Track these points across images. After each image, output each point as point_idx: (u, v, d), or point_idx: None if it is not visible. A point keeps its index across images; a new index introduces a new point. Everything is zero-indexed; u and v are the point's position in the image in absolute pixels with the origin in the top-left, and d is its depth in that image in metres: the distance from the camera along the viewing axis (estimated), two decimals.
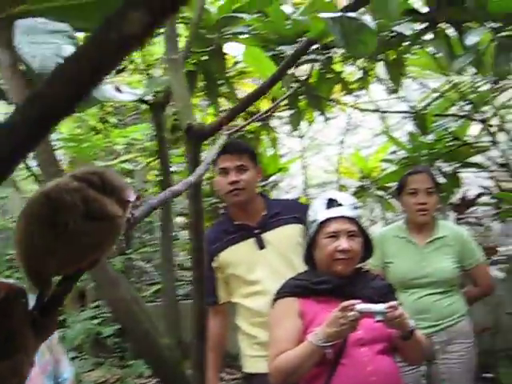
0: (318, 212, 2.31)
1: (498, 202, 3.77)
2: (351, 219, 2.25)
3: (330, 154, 5.91)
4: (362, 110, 4.66)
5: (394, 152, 4.68)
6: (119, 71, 2.89)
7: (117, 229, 0.75)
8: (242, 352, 2.64)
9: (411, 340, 2.09)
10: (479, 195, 3.92)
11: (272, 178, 4.51)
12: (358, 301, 1.96)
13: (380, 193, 4.37)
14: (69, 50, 1.19)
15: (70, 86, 0.46)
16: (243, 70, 3.37)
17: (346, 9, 2.00)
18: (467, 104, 4.03)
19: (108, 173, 0.77)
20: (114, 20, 0.44)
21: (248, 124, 2.67)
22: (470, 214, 3.94)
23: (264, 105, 3.85)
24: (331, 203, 2.29)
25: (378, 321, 1.94)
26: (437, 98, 4.21)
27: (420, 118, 3.16)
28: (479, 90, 4.03)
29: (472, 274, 3.10)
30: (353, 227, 2.24)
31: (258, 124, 4.02)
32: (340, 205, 2.28)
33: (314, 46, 2.93)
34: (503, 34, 2.55)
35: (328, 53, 3.14)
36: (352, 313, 1.93)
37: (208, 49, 2.48)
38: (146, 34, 0.45)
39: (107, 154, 4.37)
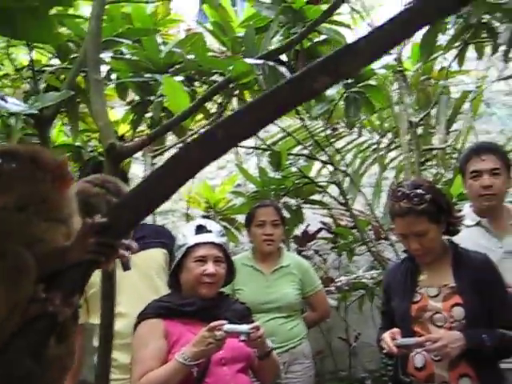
0: (187, 237, 2.41)
1: (334, 237, 4.18)
2: (218, 245, 2.39)
3: None
4: None
5: (239, 185, 4.96)
6: None
7: None
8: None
9: (268, 359, 2.27)
10: (319, 230, 4.30)
11: None
12: (225, 321, 2.09)
13: (224, 224, 4.56)
14: None
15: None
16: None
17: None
18: (310, 145, 4.44)
19: (119, 181, 0.88)
20: (306, 79, 0.63)
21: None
22: (310, 247, 4.31)
23: (123, 129, 3.86)
24: (200, 229, 2.42)
25: (242, 340, 2.09)
26: (284, 137, 4.58)
27: (275, 155, 3.43)
28: (321, 134, 4.47)
29: (311, 301, 3.42)
30: (219, 253, 2.38)
31: None
32: (209, 231, 2.41)
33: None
34: (353, 89, 2.92)
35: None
36: (219, 332, 2.05)
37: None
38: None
39: None
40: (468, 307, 2.29)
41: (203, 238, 2.36)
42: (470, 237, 2.71)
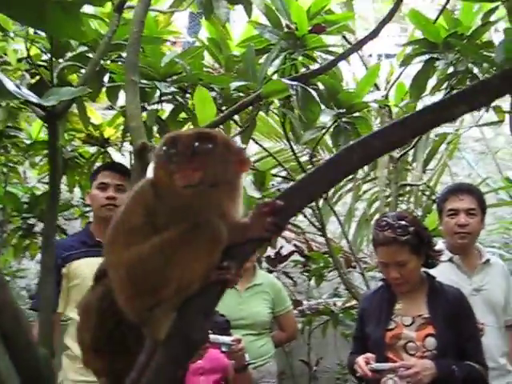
0: None
1: (306, 261, 4.25)
2: None
3: None
4: None
5: None
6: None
7: None
8: (63, 376, 2.57)
9: (244, 373, 2.31)
10: (291, 252, 4.37)
11: None
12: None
13: None
14: None
15: None
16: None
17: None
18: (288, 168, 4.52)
19: None
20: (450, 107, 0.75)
21: None
22: (281, 268, 4.37)
23: (108, 132, 3.87)
24: None
25: (223, 351, 2.12)
26: (265, 157, 4.64)
27: (260, 175, 3.49)
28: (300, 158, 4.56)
29: (281, 320, 3.48)
30: None
31: (95, 149, 4.00)
32: None
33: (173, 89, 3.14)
34: (344, 119, 3.03)
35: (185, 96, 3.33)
36: None
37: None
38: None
39: None
40: (440, 338, 2.39)
41: None
42: (442, 272, 2.82)
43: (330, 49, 3.10)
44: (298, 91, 2.32)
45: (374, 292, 2.71)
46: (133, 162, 4.29)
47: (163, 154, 1.13)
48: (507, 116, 3.39)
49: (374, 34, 2.28)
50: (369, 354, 2.41)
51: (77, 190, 4.15)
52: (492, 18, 3.27)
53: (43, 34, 2.91)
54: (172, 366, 1.09)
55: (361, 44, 2.44)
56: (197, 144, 1.11)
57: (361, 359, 2.39)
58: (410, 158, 4.48)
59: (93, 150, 3.98)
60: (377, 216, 4.49)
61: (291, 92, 2.19)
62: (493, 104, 3.26)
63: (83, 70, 2.92)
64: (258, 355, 3.19)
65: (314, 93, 2.26)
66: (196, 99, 2.22)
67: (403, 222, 2.47)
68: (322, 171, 1.14)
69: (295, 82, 2.19)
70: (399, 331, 2.44)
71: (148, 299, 1.12)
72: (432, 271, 2.64)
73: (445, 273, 2.88)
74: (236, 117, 3.30)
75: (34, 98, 1.62)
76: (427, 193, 4.53)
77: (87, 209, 4.36)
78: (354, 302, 3.96)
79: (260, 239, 1.15)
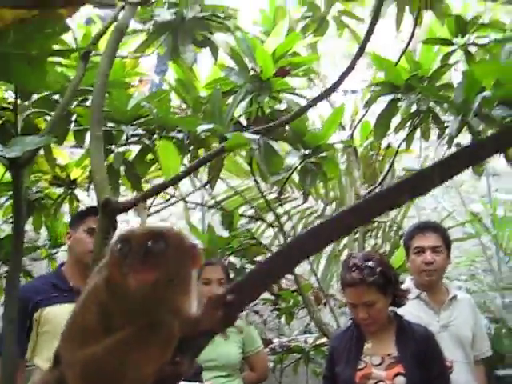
0: None
1: (276, 299, 4.24)
2: None
3: None
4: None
5: None
6: None
7: None
8: None
9: None
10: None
11: (63, 247, 4.37)
12: None
13: None
14: None
15: None
16: None
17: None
18: (255, 207, 4.55)
19: None
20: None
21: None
22: (251, 307, 4.34)
23: (75, 173, 3.84)
24: None
25: None
26: (233, 195, 4.66)
27: (228, 216, 3.50)
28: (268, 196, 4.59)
29: (251, 360, 3.43)
30: None
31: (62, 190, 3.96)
32: None
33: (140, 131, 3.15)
34: (310, 160, 3.07)
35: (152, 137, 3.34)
36: None
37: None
38: None
39: None
40: (409, 377, 2.40)
41: None
42: (410, 309, 2.85)
43: (296, 91, 3.17)
44: (260, 145, 2.38)
45: (344, 331, 2.72)
46: None
47: (117, 253, 1.15)
48: None
49: (340, 81, 2.36)
50: None
51: (43, 230, 4.09)
52: (451, 60, 3.40)
53: None
54: None
55: (328, 92, 2.52)
56: (150, 244, 1.14)
57: None
58: None
59: (59, 190, 3.93)
60: (345, 252, 4.53)
61: (253, 146, 2.24)
62: (454, 141, 3.35)
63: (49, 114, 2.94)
64: None
65: (275, 146, 2.32)
66: (160, 152, 2.24)
67: (370, 263, 2.49)
68: (278, 259, 1.14)
69: (257, 137, 2.23)
70: (369, 371, 2.45)
71: None
72: (400, 308, 2.67)
73: (413, 310, 2.91)
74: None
75: None
76: (394, 228, 4.60)
77: (54, 250, 4.30)
78: (324, 340, 3.95)
79: (212, 332, 1.18)
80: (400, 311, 2.67)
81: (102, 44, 2.53)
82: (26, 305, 2.52)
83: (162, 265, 1.14)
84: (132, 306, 1.15)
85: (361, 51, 2.43)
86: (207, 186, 3.68)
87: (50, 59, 1.89)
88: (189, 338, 1.16)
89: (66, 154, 4.06)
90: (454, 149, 3.70)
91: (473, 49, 3.33)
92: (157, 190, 2.19)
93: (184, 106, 3.74)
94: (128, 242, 1.15)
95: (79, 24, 3.37)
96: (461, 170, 0.99)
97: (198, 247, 1.24)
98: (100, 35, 2.48)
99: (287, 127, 3.05)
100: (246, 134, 2.18)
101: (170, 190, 3.41)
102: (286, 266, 1.16)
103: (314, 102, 2.58)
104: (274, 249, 4.27)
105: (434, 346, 2.53)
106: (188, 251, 1.21)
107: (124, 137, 3.11)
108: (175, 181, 2.14)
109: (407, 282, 3.08)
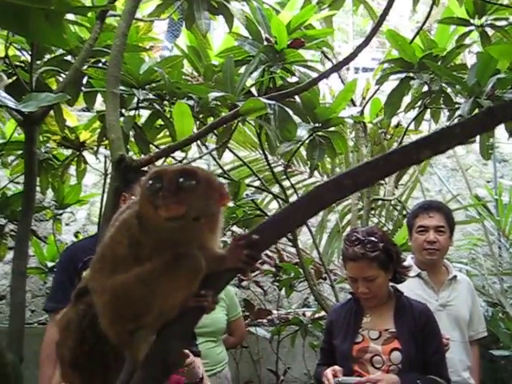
0: None
1: (277, 271, 4.27)
2: None
3: None
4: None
5: None
6: None
7: None
8: None
9: None
10: (262, 262, 4.39)
11: (68, 209, 4.40)
12: None
13: None
14: None
15: None
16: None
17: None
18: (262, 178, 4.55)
19: None
20: (413, 152, 1.04)
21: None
22: (252, 278, 4.38)
23: (84, 136, 3.85)
24: None
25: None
26: (240, 166, 4.67)
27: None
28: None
29: (232, 326, 3.55)
30: None
31: (70, 152, 3.97)
32: None
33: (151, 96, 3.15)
34: (319, 133, 3.07)
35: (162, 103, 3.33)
36: None
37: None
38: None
39: None
40: (405, 353, 2.44)
41: None
42: (410, 287, 2.88)
43: (309, 63, 3.15)
44: (275, 110, 2.37)
45: (343, 305, 2.75)
46: (107, 166, 4.32)
47: (149, 188, 1.19)
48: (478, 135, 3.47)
49: (353, 55, 2.33)
50: (336, 367, 2.44)
51: (49, 192, 4.12)
52: (466, 41, 3.37)
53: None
54: None
55: (341, 64, 2.49)
56: (181, 180, 1.18)
57: (329, 372, 2.42)
58: None
59: (67, 152, 3.95)
60: (348, 229, 4.54)
61: (269, 111, 2.23)
62: None
63: (62, 74, 2.94)
64: (217, 362, 3.24)
65: (290, 112, 2.31)
66: (175, 112, 2.24)
67: (373, 238, 2.51)
68: (296, 207, 1.18)
69: (273, 101, 2.22)
70: (366, 345, 2.49)
71: (129, 324, 1.18)
72: (400, 286, 2.69)
73: (412, 288, 2.94)
74: None
75: (12, 104, 1.62)
76: (398, 207, 4.61)
77: (59, 211, 4.33)
78: (322, 313, 4.00)
79: (235, 270, 1.23)
80: (400, 287, 2.70)
81: (119, 5, 2.52)
82: (76, 263, 2.56)
83: (192, 201, 1.17)
84: (161, 238, 1.18)
85: (379, 24, 2.41)
86: (214, 154, 3.69)
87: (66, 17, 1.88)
88: (214, 274, 1.21)
89: (75, 117, 4.07)
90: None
91: (490, 31, 3.30)
92: (171, 150, 2.19)
93: (195, 73, 3.74)
94: (160, 178, 1.18)
95: None
96: (479, 132, 1.00)
97: (227, 187, 1.27)
98: None
99: (298, 99, 3.04)
100: (262, 99, 2.17)
101: (178, 155, 3.41)
102: (305, 213, 1.19)
103: (327, 74, 2.56)
104: None
105: (432, 323, 2.56)
106: (217, 190, 1.23)
107: (135, 100, 3.11)
108: (188, 142, 2.14)
109: (408, 261, 3.10)
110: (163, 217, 1.15)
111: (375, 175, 1.13)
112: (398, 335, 2.48)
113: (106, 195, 4.31)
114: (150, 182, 1.19)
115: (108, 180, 4.43)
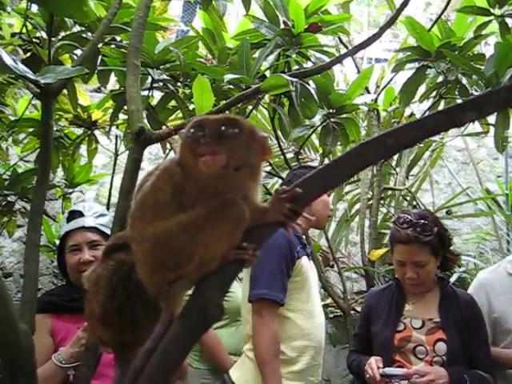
0: (62, 226, 2.29)
1: None
2: (93, 228, 2.23)
3: None
4: None
5: None
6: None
7: None
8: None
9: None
10: None
11: (78, 188, 4.41)
12: None
13: None
14: None
15: None
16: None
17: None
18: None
19: None
20: (457, 113, 0.99)
21: None
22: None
23: (96, 115, 3.85)
24: (72, 215, 2.27)
25: None
26: None
27: None
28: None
29: None
30: (95, 236, 2.23)
31: (82, 131, 3.97)
32: (81, 215, 2.26)
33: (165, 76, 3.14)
34: (333, 120, 3.06)
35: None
36: None
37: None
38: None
39: None
40: (451, 344, 2.32)
41: (73, 224, 2.23)
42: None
43: (325, 49, 3.13)
44: (297, 88, 2.35)
45: (382, 290, 2.62)
46: (118, 146, 4.32)
47: (190, 137, 1.16)
48: (492, 128, 3.44)
49: (373, 38, 2.30)
50: (378, 358, 2.34)
51: (59, 170, 4.13)
52: (484, 32, 3.33)
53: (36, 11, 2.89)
54: (188, 338, 1.14)
55: (358, 48, 2.46)
56: (224, 128, 1.15)
57: (373, 361, 2.32)
58: (393, 163, 4.53)
59: (79, 131, 3.95)
60: (357, 218, 4.53)
61: (291, 88, 2.21)
62: None
63: (76, 51, 2.93)
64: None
65: (312, 90, 2.29)
66: (195, 87, 2.22)
67: (426, 221, 2.39)
68: (339, 163, 1.18)
69: (295, 79, 2.21)
70: (409, 334, 2.37)
71: (169, 274, 1.15)
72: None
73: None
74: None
75: (30, 75, 1.62)
76: (408, 198, 4.59)
77: (69, 190, 4.34)
78: (329, 301, 4.00)
79: (277, 223, 1.19)
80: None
81: None
82: (294, 252, 2.50)
83: (234, 150, 1.15)
84: (205, 187, 1.16)
85: (399, 11, 2.38)
86: None
87: None
88: (255, 228, 1.18)
89: (88, 96, 4.06)
90: (476, 123, 3.67)
91: (510, 21, 3.26)
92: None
93: (210, 56, 3.72)
94: (202, 126, 1.16)
95: None
96: None
97: (267, 140, 1.24)
98: None
99: (312, 85, 3.02)
100: (285, 76, 2.15)
101: None
102: (349, 170, 1.19)
103: (341, 58, 2.54)
104: None
105: (478, 314, 2.45)
106: (259, 142, 1.20)
107: (149, 81, 3.10)
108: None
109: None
110: (204, 166, 1.12)
111: (419, 135, 1.12)
112: (444, 325, 2.36)
113: (115, 176, 4.35)
114: (192, 130, 1.17)
115: (118, 161, 4.46)
